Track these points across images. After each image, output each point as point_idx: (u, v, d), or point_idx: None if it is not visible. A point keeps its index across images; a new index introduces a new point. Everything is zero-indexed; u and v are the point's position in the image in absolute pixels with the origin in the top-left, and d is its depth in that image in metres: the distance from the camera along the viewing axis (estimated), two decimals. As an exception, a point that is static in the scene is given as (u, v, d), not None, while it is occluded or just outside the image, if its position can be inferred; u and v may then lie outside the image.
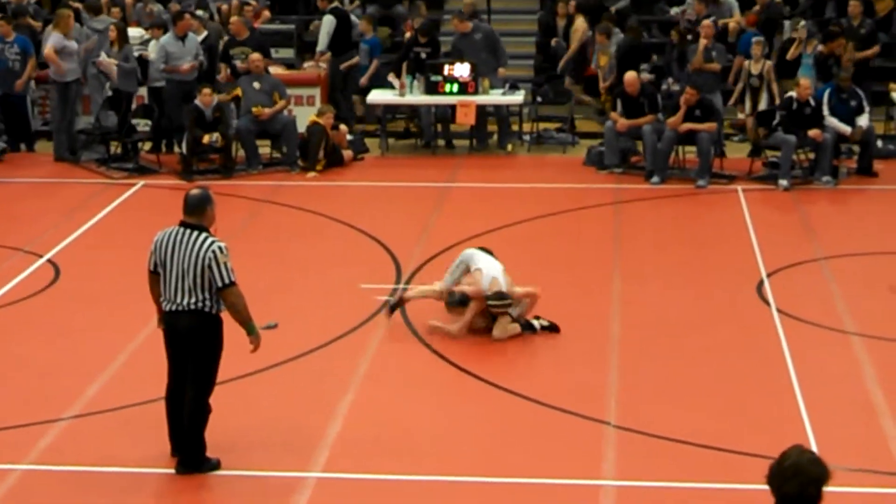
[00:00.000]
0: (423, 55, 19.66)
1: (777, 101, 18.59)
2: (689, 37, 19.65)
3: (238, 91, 18.43)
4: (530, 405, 10.54)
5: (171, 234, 9.20)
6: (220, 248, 9.06)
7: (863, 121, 17.56)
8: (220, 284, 9.03)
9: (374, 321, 12.39)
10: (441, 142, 19.85)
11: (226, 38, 19.77)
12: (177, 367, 9.31)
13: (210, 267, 9.01)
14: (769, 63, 19.12)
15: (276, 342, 11.67)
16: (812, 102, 17.34)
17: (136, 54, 18.93)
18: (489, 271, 11.90)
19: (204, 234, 9.11)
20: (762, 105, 18.89)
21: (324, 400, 10.65)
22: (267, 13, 22.08)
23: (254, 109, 18.16)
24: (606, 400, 10.60)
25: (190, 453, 9.34)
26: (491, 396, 10.79)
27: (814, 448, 9.24)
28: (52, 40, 18.86)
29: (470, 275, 12.04)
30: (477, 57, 19.37)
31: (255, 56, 18.56)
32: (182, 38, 18.78)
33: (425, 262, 14.02)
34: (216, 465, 9.41)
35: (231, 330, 9.30)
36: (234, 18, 19.59)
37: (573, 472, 9.42)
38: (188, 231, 9.14)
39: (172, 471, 9.36)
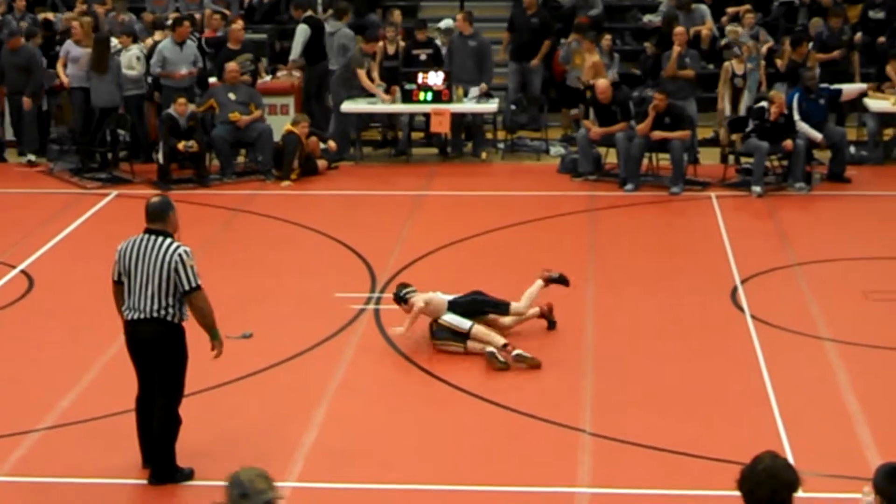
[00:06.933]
0: (424, 57, 19.66)
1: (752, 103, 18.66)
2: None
3: (212, 102, 18.38)
4: (505, 413, 10.54)
5: (135, 241, 9.18)
6: (185, 252, 9.07)
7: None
8: (186, 288, 9.01)
9: (348, 330, 12.38)
10: (414, 150, 19.84)
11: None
12: (144, 377, 9.30)
13: (176, 270, 8.99)
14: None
15: (251, 351, 11.68)
16: (784, 111, 17.36)
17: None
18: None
19: (169, 240, 9.10)
20: (743, 105, 18.92)
21: (299, 409, 10.63)
22: (241, 22, 22.00)
23: (231, 116, 18.11)
24: (581, 407, 10.61)
25: (161, 464, 9.31)
26: (465, 405, 10.79)
27: (788, 454, 9.31)
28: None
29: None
30: (463, 63, 19.41)
31: (232, 66, 18.53)
32: (180, 44, 18.79)
33: (400, 270, 13.99)
34: (189, 475, 9.37)
35: (203, 339, 9.28)
36: (235, 26, 19.64)
37: (548, 479, 9.42)
38: (153, 237, 9.13)
39: (145, 481, 9.33)
